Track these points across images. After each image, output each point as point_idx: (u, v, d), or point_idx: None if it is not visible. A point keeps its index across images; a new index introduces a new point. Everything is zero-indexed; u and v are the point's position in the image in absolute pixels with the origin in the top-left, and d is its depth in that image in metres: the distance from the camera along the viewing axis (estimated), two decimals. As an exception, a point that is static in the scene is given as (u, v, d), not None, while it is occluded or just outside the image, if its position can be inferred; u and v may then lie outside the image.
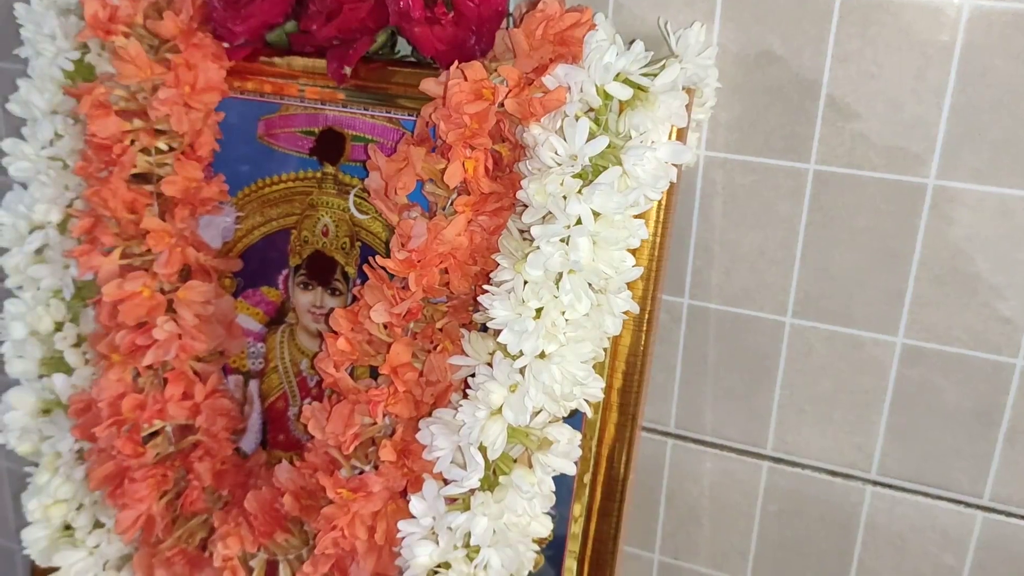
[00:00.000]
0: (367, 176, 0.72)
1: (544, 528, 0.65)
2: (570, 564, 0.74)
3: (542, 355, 0.61)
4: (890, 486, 0.75)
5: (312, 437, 0.73)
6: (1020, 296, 0.67)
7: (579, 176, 0.60)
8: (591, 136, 0.60)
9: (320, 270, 0.80)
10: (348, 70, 0.72)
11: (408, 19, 0.68)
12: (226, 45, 0.77)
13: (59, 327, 0.86)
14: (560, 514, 0.72)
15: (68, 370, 0.87)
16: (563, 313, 0.61)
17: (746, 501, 0.80)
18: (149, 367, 0.80)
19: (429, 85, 0.66)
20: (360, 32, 0.72)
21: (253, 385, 0.85)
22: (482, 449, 0.62)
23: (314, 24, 0.73)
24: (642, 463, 0.81)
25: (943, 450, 0.72)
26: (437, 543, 0.63)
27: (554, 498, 0.65)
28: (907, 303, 0.70)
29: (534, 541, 0.66)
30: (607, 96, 0.61)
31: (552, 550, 0.74)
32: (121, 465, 0.81)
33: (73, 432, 0.84)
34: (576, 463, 0.64)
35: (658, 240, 0.67)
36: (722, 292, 0.75)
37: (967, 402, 0.70)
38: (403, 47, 0.75)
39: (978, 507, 0.72)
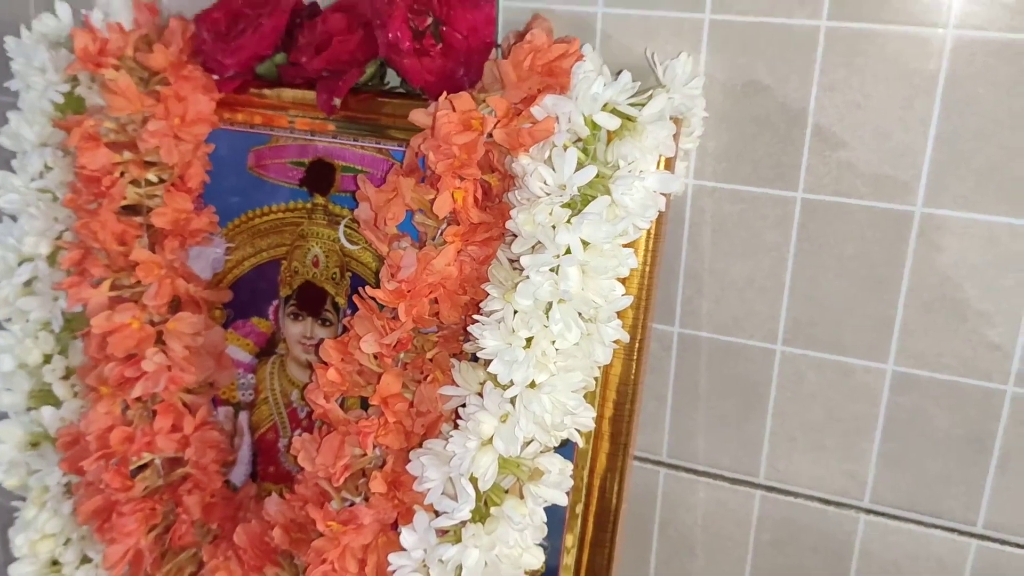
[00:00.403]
0: (357, 206, 0.72)
1: (536, 560, 0.65)
2: (563, 596, 0.73)
3: (532, 385, 0.61)
4: (883, 514, 0.74)
5: (302, 469, 0.72)
6: (1009, 322, 0.67)
7: (568, 206, 0.61)
8: (579, 166, 0.60)
9: (310, 301, 0.79)
10: (337, 101, 0.72)
11: (397, 51, 0.68)
12: (216, 77, 0.78)
13: (48, 359, 0.86)
14: (552, 545, 0.71)
15: (56, 403, 0.86)
16: (553, 342, 0.61)
17: (739, 530, 0.79)
18: (138, 399, 0.80)
19: (418, 116, 0.67)
20: (349, 64, 0.73)
21: (243, 417, 0.85)
22: (473, 480, 0.61)
23: (304, 56, 0.73)
24: (634, 493, 0.81)
25: (935, 477, 0.72)
26: (428, 576, 0.63)
27: (546, 529, 0.65)
28: (896, 330, 0.70)
29: (526, 573, 0.66)
30: (595, 126, 0.61)
31: (544, 582, 0.74)
32: (109, 499, 0.81)
33: (61, 465, 0.83)
34: (568, 493, 0.64)
35: (647, 269, 0.67)
36: (712, 320, 0.75)
37: (958, 429, 0.70)
38: (392, 78, 0.76)
39: (972, 535, 0.72)
